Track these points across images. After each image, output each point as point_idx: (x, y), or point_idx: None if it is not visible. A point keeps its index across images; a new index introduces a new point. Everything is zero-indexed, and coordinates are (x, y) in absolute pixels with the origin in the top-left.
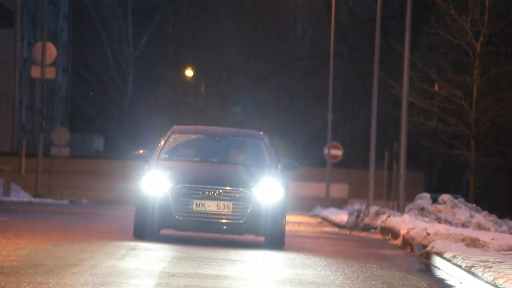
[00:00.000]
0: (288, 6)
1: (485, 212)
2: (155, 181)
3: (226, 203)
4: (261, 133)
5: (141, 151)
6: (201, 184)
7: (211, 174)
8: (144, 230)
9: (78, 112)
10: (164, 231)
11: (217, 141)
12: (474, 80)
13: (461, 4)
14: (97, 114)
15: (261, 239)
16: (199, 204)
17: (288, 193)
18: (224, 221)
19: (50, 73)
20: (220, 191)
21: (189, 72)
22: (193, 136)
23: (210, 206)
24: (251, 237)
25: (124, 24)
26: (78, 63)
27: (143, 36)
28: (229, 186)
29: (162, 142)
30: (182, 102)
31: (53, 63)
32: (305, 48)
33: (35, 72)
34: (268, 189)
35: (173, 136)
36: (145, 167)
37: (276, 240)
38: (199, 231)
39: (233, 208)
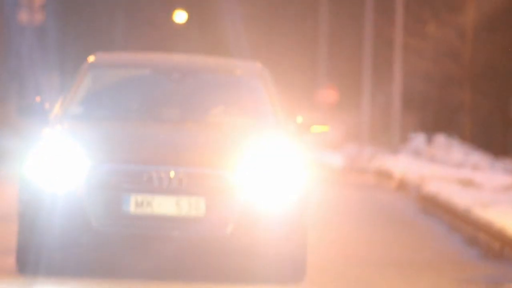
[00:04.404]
0: None
1: (480, 152)
2: (55, 160)
3: (194, 199)
4: (258, 64)
5: (37, 100)
6: (145, 162)
7: (164, 143)
8: (36, 255)
9: (69, 57)
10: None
11: (175, 80)
12: (468, 20)
13: None
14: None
15: (258, 263)
16: (142, 202)
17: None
18: (191, 233)
19: (39, 17)
20: (182, 175)
21: (180, 15)
22: (130, 72)
23: (163, 205)
24: (239, 261)
25: None
26: (67, 7)
27: None
28: (200, 167)
29: (74, 86)
30: (173, 47)
31: (42, 7)
32: None
33: (23, 16)
34: (275, 170)
35: (93, 73)
36: (40, 132)
37: (289, 266)
38: (142, 253)
39: (208, 208)
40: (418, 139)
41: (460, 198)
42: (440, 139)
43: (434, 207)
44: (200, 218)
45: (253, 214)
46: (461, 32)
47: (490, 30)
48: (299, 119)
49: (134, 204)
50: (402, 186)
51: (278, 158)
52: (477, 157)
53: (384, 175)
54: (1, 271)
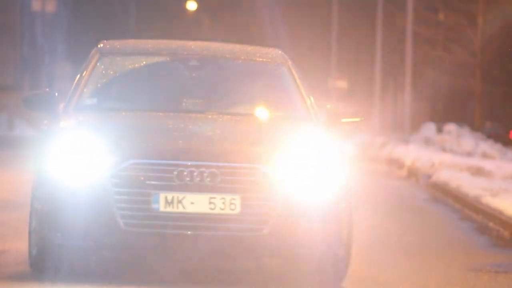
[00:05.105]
0: None
1: (490, 141)
2: (77, 155)
3: (228, 196)
4: (279, 51)
5: (46, 90)
6: (175, 158)
7: (193, 136)
8: (56, 257)
9: (81, 45)
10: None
11: (194, 68)
12: (479, 7)
13: None
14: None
15: (296, 265)
16: (173, 200)
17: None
18: (225, 233)
19: (51, 5)
20: (216, 171)
21: (192, 4)
22: (144, 61)
23: (195, 203)
24: (276, 262)
25: None
26: None
27: None
28: (234, 161)
29: (84, 74)
30: (186, 35)
31: None
32: None
33: (36, 4)
34: (315, 164)
35: (104, 61)
36: (52, 124)
37: (330, 267)
38: (172, 254)
39: (243, 206)
40: (429, 128)
41: (470, 186)
42: (451, 127)
43: (444, 195)
44: (235, 217)
45: (293, 212)
46: (472, 20)
47: (501, 17)
48: (329, 106)
49: (164, 202)
50: (413, 174)
51: (317, 151)
52: (487, 146)
53: (395, 163)
54: (13, 270)
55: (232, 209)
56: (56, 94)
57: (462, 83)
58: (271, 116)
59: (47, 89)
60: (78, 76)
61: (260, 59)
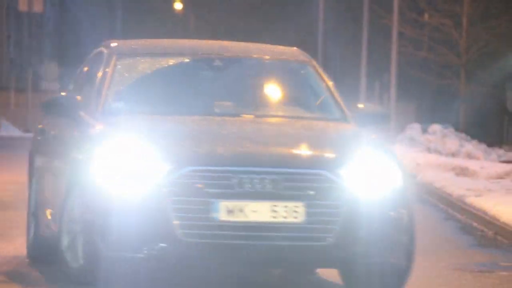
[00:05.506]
0: None
1: (475, 141)
2: (128, 162)
3: (291, 204)
4: (299, 50)
5: (65, 95)
6: (233, 164)
7: (247, 141)
8: (106, 270)
9: (67, 46)
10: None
11: (218, 68)
12: (464, 8)
13: None
14: (87, 48)
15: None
16: (234, 208)
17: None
18: (289, 242)
19: (38, 5)
20: (277, 177)
21: (178, 5)
22: (166, 62)
23: (258, 211)
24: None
25: None
26: None
27: None
28: (297, 167)
29: (103, 76)
30: (172, 35)
31: None
32: None
33: (22, 5)
34: (374, 169)
35: (123, 62)
36: (90, 130)
37: (390, 278)
38: (232, 265)
39: (308, 214)
40: (414, 128)
41: (454, 186)
42: (435, 128)
43: (429, 195)
44: (299, 225)
45: (357, 220)
46: (457, 20)
47: (485, 17)
48: (361, 106)
49: (225, 211)
50: None
51: (376, 155)
52: (472, 146)
53: None
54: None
55: (295, 218)
56: (78, 98)
57: (447, 84)
58: (313, 118)
59: (62, 93)
60: (99, 78)
61: (283, 57)
